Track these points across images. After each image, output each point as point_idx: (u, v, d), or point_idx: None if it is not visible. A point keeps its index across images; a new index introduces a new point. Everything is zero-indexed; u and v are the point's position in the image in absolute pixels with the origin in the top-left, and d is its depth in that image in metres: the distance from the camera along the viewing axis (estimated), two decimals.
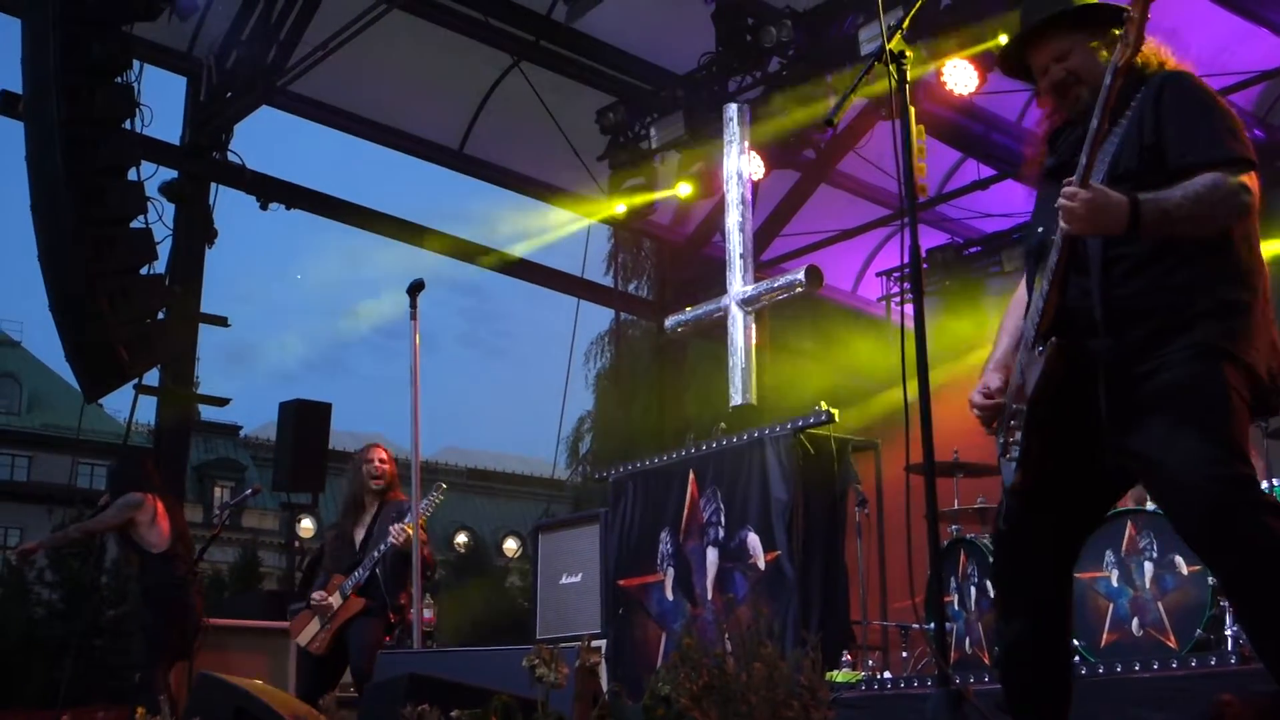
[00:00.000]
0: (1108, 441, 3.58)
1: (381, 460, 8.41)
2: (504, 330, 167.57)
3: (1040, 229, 3.79)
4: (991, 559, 3.96)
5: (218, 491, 46.13)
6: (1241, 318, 3.54)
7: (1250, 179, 3.52)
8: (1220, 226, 3.53)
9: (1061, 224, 3.49)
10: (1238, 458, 3.41)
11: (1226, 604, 6.18)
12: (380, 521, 8.24)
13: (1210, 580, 6.25)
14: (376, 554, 8.05)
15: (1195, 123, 3.58)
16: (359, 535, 8.33)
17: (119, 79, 9.75)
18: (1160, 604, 6.50)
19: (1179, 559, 6.46)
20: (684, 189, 12.28)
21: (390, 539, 7.97)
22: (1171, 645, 6.40)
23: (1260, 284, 3.62)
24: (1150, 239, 3.51)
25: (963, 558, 7.82)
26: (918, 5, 4.19)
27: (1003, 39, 9.18)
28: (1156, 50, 3.79)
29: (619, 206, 12.75)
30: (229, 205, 12.11)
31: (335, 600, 8.09)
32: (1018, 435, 3.64)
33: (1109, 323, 3.56)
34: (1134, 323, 3.54)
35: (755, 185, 9.61)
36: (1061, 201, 3.45)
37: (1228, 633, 6.24)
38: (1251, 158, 3.56)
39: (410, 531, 7.77)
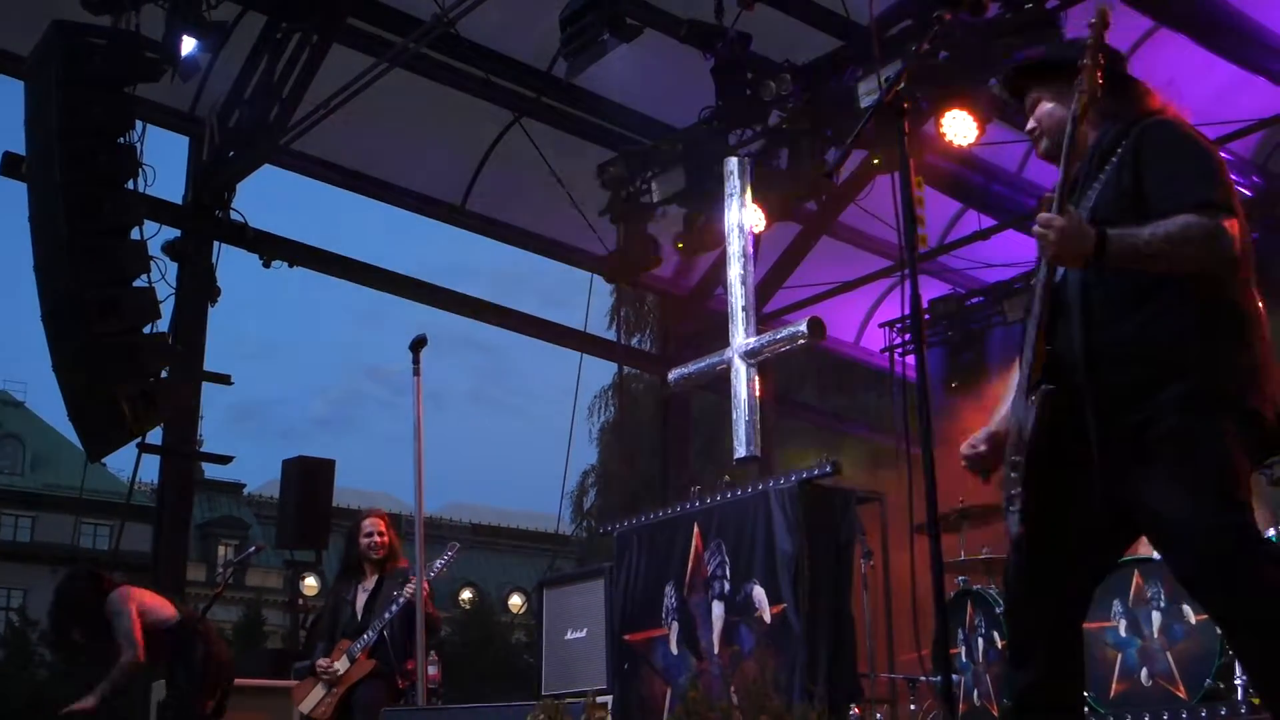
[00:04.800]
0: (1107, 491, 3.58)
1: (380, 533, 8.37)
2: (513, 386, 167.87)
3: (1034, 281, 3.83)
4: (1002, 608, 3.97)
5: (221, 550, 46.03)
6: (1241, 363, 3.54)
7: (1230, 224, 3.51)
8: (1194, 268, 3.52)
9: (1042, 254, 3.55)
10: (1234, 508, 3.41)
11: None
12: (386, 587, 8.21)
13: (1219, 629, 6.22)
14: (388, 615, 8.02)
15: (1175, 168, 3.61)
16: (361, 599, 8.30)
17: (121, 139, 9.80)
18: (1169, 653, 6.47)
19: (1187, 608, 6.43)
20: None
21: (402, 598, 7.94)
22: (1181, 695, 6.36)
23: (1259, 331, 3.61)
24: (1119, 272, 3.54)
25: (969, 609, 7.79)
26: (915, 58, 4.21)
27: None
28: (1148, 95, 3.88)
29: None
30: (242, 263, 12.18)
31: (341, 665, 8.05)
32: (1015, 486, 3.65)
33: (1090, 368, 3.57)
34: (1119, 368, 3.55)
35: (757, 238, 9.62)
36: (1036, 229, 3.50)
37: (1237, 682, 6.21)
38: (1229, 203, 3.56)
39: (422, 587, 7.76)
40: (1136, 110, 3.82)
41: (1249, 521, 3.43)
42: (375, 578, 8.35)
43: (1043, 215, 3.48)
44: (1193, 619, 6.41)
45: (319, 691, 8.09)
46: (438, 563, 8.14)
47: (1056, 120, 3.90)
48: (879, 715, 7.70)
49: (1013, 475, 3.67)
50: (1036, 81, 4.02)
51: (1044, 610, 3.73)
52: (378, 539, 8.36)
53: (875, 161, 10.68)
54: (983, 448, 3.85)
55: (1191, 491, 3.41)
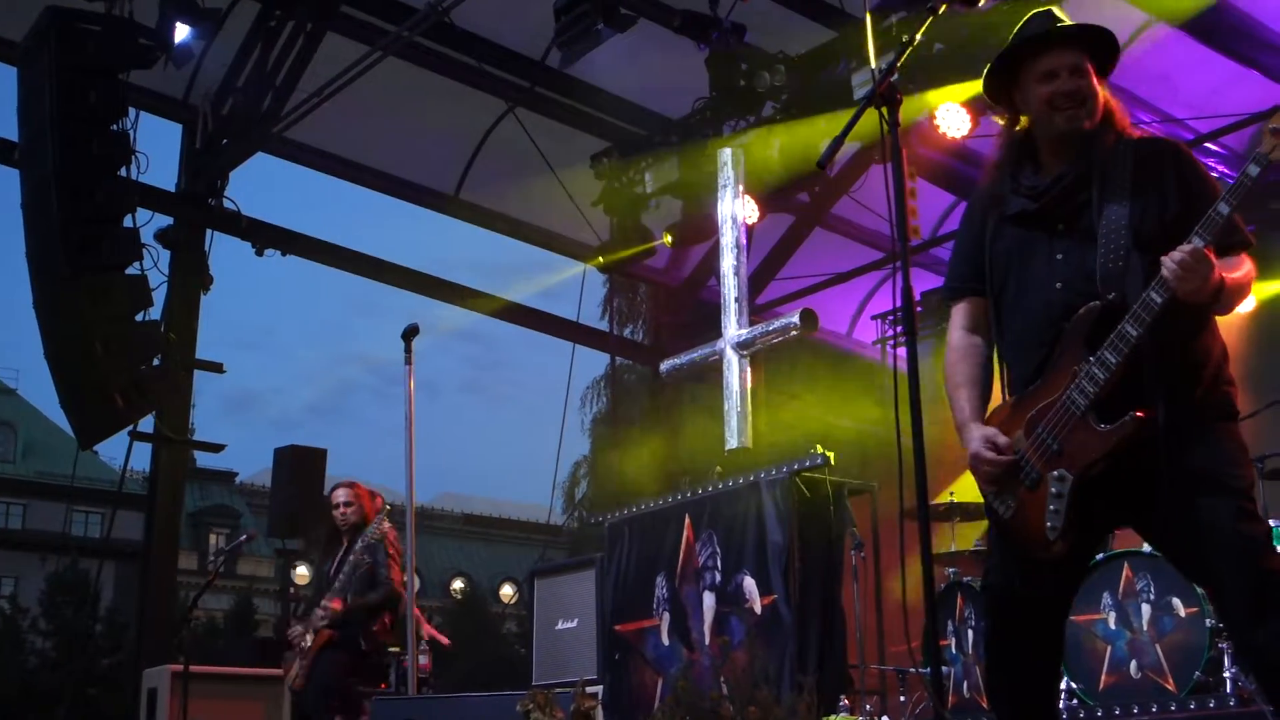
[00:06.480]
0: (1165, 507, 3.61)
1: (346, 503, 8.42)
2: (505, 377, 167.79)
3: (1058, 284, 3.76)
4: (1000, 622, 3.93)
5: (213, 538, 46.02)
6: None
7: None
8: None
9: (1170, 282, 3.49)
10: (1259, 511, 3.67)
11: (1225, 646, 6.17)
12: (349, 554, 8.27)
13: (1208, 622, 6.24)
14: (337, 584, 8.07)
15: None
16: (334, 571, 8.37)
17: (115, 126, 9.76)
18: (1158, 646, 6.49)
19: (1176, 601, 6.45)
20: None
21: (351, 556, 8.04)
22: (1170, 688, 6.37)
23: None
24: (1211, 312, 3.69)
25: (959, 601, 7.80)
26: (909, 50, 4.19)
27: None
28: (1125, 111, 3.91)
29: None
30: (235, 252, 12.17)
31: (310, 635, 8.09)
32: (1059, 504, 3.64)
33: (1167, 394, 3.60)
34: (1180, 392, 3.61)
35: (749, 229, 9.62)
36: (1185, 260, 3.47)
37: (1226, 675, 6.23)
38: None
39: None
40: (1118, 124, 3.85)
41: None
42: (346, 545, 8.40)
43: (1196, 250, 3.46)
44: (1182, 612, 6.43)
45: (296, 665, 8.17)
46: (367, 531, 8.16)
47: (1099, 101, 3.82)
48: (868, 706, 7.71)
49: (1054, 491, 3.65)
50: (1093, 55, 3.87)
51: (1052, 625, 3.86)
52: (343, 509, 8.40)
53: (875, 155, 10.67)
54: (1010, 456, 3.78)
55: (1244, 501, 3.56)
